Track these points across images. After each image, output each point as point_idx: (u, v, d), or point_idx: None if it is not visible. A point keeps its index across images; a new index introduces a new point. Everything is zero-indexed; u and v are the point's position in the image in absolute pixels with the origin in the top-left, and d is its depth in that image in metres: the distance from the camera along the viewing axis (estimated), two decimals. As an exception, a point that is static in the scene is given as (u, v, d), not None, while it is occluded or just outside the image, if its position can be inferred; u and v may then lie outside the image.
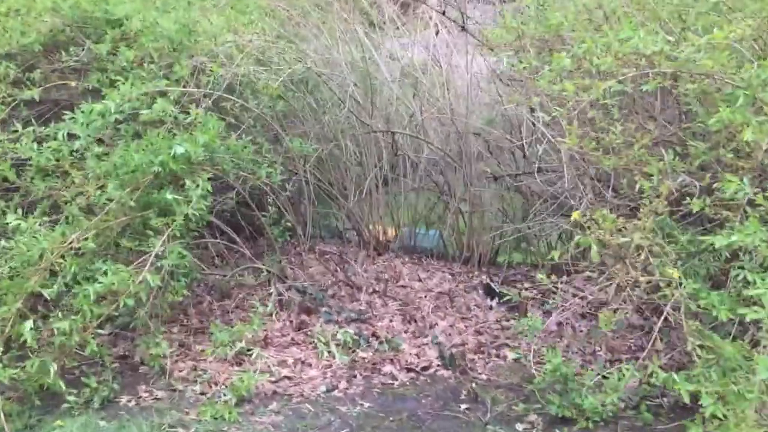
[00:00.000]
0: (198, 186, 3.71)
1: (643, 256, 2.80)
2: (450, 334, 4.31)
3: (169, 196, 3.59)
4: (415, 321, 4.51)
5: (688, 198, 3.03)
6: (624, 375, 2.93)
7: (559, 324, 4.48)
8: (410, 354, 3.92)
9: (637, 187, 3.19)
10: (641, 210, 3.01)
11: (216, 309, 4.58)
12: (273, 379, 3.63)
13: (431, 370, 3.79)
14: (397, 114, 6.11)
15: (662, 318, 2.83)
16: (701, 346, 2.72)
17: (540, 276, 3.12)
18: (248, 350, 3.88)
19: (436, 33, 6.29)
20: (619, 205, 3.30)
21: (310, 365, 3.81)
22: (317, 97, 5.52)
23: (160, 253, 3.56)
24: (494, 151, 5.56)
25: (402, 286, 5.30)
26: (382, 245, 6.13)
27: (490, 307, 4.85)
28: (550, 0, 4.00)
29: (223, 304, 4.64)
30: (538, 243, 6.01)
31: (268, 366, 3.71)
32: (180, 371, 3.71)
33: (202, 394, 3.48)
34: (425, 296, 5.12)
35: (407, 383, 3.65)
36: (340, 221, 6.41)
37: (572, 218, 2.90)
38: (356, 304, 4.85)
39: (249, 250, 4.83)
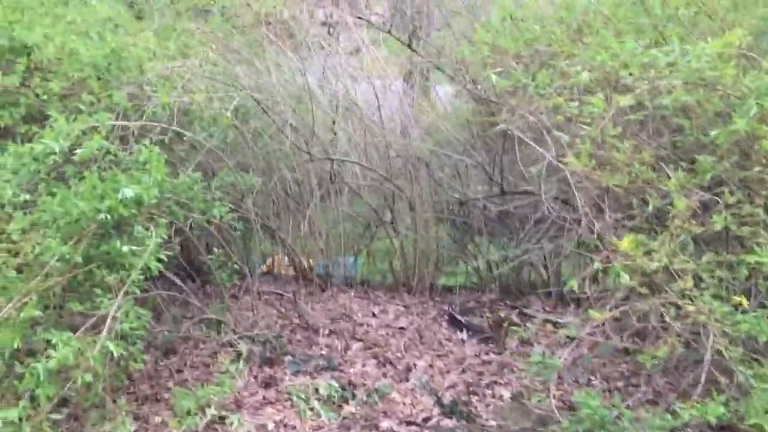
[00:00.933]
0: (152, 234, 3.22)
1: (690, 283, 2.59)
2: (432, 375, 3.98)
3: (125, 248, 3.08)
4: (391, 363, 4.15)
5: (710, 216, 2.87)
6: (681, 414, 2.68)
7: (543, 354, 4.25)
8: (403, 403, 3.55)
9: (650, 207, 3.01)
10: (668, 230, 2.81)
11: (163, 369, 4.04)
12: (260, 449, 3.17)
13: (433, 421, 3.44)
14: (334, 141, 5.79)
15: (709, 347, 2.63)
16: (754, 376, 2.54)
17: (593, 313, 2.83)
18: (220, 417, 3.40)
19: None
20: (631, 228, 3.10)
21: (294, 428, 3.37)
22: (252, 126, 5.09)
23: (115, 315, 3.03)
24: (447, 176, 5.33)
25: (358, 324, 4.92)
26: (323, 280, 5.75)
27: (462, 341, 4.56)
28: (517, 13, 3.78)
29: (170, 363, 4.10)
30: (477, 267, 5.83)
31: (250, 434, 3.24)
32: (145, 451, 3.18)
33: (183, 479, 2.97)
34: (387, 333, 4.78)
35: (413, 439, 3.29)
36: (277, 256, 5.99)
37: (622, 247, 2.65)
38: (317, 349, 4.44)
39: (195, 299, 4.33)
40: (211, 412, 3.36)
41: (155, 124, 3.66)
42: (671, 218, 2.81)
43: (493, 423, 3.40)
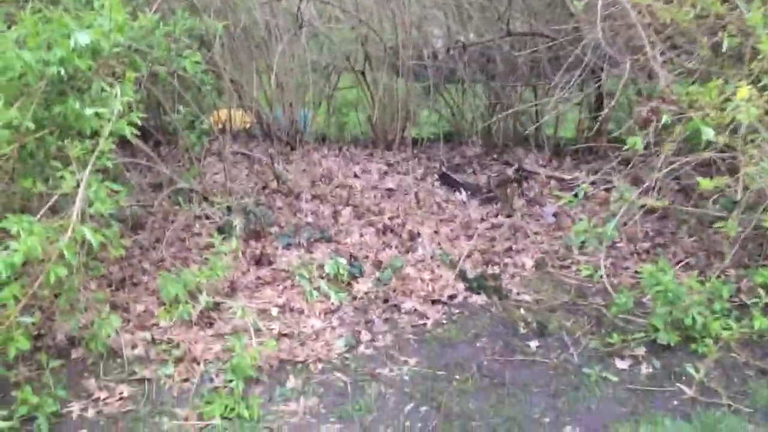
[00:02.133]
0: (117, 91, 2.58)
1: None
2: (440, 243, 3.58)
3: (88, 111, 2.46)
4: (392, 231, 3.72)
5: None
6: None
7: (555, 215, 3.91)
8: (420, 279, 3.15)
9: (725, 46, 2.55)
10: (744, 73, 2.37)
11: (132, 247, 3.50)
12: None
13: (459, 298, 3.05)
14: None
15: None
16: None
17: (703, 181, 2.39)
18: (215, 303, 2.95)
19: None
20: (695, 71, 2.65)
21: (302, 312, 2.94)
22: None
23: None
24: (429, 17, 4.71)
25: (342, 186, 4.45)
26: (292, 136, 5.19)
27: (463, 202, 4.16)
28: None
29: (139, 239, 3.57)
30: (455, 116, 5.36)
31: (255, 323, 2.79)
32: (133, 348, 2.71)
33: (185, 380, 2.52)
34: (377, 196, 4.33)
35: (443, 321, 2.88)
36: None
37: (738, 96, 2.19)
38: (302, 217, 3.97)
39: (163, 165, 3.74)
40: (204, 298, 2.90)
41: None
42: (760, 60, 2.36)
43: (526, 297, 3.03)
